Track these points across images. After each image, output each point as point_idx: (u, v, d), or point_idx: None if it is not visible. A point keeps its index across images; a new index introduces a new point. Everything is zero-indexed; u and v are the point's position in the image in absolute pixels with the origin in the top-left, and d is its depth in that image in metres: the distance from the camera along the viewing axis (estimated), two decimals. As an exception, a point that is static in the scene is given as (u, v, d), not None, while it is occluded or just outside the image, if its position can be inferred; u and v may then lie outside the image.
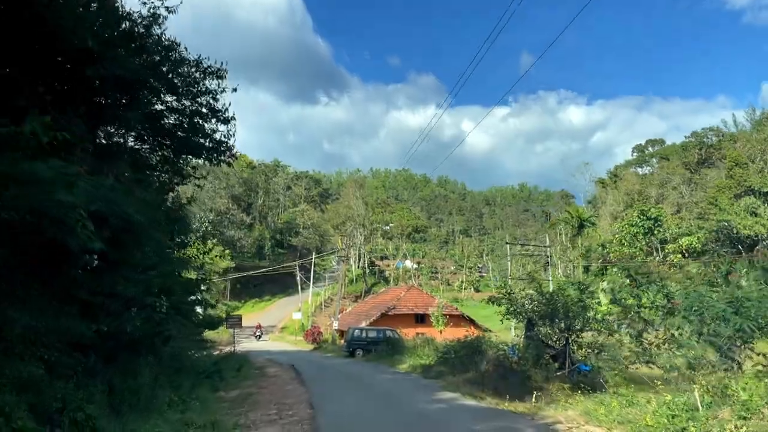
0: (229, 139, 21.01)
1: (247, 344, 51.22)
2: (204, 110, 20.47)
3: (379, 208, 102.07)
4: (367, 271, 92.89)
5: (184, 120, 20.41)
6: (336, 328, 44.94)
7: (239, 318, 34.31)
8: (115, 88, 14.03)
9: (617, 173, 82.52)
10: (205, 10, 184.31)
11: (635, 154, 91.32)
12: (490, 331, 46.49)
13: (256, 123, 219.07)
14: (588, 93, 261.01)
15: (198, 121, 20.67)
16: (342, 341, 39.09)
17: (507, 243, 36.78)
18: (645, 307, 14.90)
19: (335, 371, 24.24)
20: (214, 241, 65.01)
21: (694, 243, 43.33)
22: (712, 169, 66.44)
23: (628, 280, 38.51)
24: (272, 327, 66.50)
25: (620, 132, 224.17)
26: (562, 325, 22.58)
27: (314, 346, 45.32)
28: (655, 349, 14.30)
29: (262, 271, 69.26)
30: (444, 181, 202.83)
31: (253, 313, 76.88)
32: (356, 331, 34.39)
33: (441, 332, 40.60)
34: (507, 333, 48.01)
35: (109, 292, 11.91)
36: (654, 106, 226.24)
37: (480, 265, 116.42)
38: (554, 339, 23.26)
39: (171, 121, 20.07)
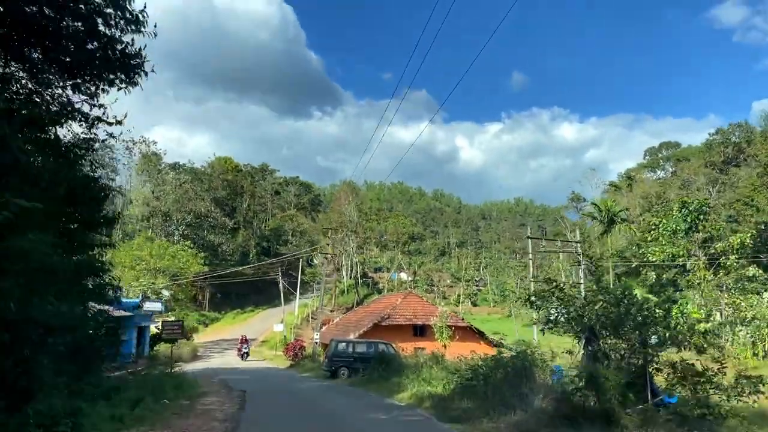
0: (137, 47, 13.58)
1: (217, 360, 42.99)
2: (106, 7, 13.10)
3: (374, 216, 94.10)
4: (360, 282, 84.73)
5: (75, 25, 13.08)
6: (317, 340, 36.72)
7: (179, 325, 26.02)
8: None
9: (631, 176, 74.95)
10: (197, 21, 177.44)
11: (647, 157, 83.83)
12: (501, 345, 38.48)
13: (248, 136, 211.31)
14: (580, 110, 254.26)
15: (97, 24, 13.22)
16: (324, 357, 30.96)
17: (528, 237, 28.88)
18: None
19: (301, 403, 16.14)
20: (188, 243, 56.87)
21: (746, 241, 35.48)
22: (741, 168, 59.06)
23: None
24: (252, 340, 58.15)
25: (612, 149, 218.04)
26: (637, 338, 14.81)
27: (291, 363, 37.08)
28: None
29: (234, 269, 60.87)
30: (439, 194, 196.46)
31: (233, 325, 68.53)
32: (340, 344, 26.21)
33: (445, 347, 32.65)
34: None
35: None
36: (646, 125, 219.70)
37: (477, 279, 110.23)
38: (623, 357, 15.48)
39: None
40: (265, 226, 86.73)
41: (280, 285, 58.84)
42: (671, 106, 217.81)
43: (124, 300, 37.64)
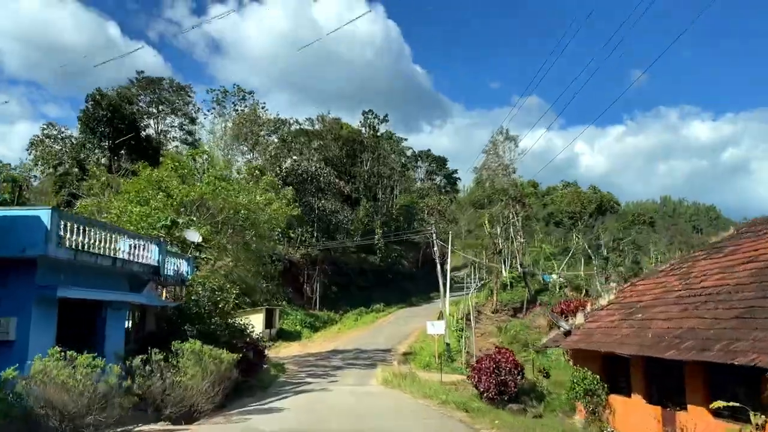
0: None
1: (308, 398, 16.62)
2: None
3: (531, 188, 65.03)
4: (526, 276, 56.08)
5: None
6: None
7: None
8: None
9: None
10: (309, 49, 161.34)
11: None
12: None
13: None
14: (713, 107, 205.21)
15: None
16: None
17: None
18: None
19: None
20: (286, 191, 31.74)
21: None
22: None
23: None
24: (386, 352, 31.29)
25: (756, 147, 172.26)
26: None
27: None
28: None
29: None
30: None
31: (353, 330, 42.26)
32: None
33: None
34: None
35: None
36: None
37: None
38: None
39: None
40: (391, 204, 60.57)
41: (436, 252, 31.32)
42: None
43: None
